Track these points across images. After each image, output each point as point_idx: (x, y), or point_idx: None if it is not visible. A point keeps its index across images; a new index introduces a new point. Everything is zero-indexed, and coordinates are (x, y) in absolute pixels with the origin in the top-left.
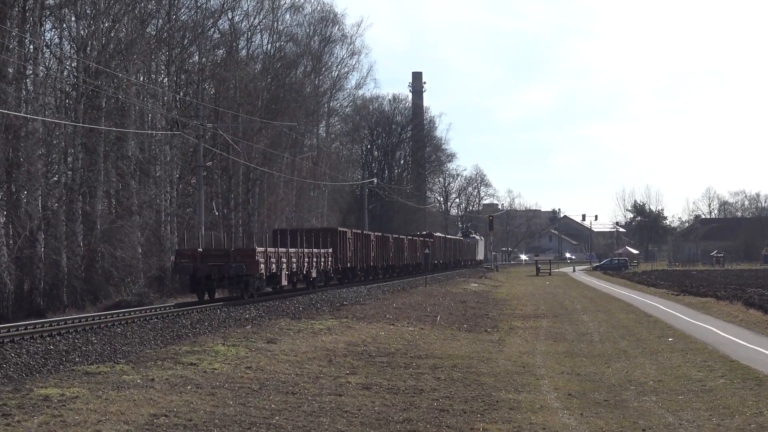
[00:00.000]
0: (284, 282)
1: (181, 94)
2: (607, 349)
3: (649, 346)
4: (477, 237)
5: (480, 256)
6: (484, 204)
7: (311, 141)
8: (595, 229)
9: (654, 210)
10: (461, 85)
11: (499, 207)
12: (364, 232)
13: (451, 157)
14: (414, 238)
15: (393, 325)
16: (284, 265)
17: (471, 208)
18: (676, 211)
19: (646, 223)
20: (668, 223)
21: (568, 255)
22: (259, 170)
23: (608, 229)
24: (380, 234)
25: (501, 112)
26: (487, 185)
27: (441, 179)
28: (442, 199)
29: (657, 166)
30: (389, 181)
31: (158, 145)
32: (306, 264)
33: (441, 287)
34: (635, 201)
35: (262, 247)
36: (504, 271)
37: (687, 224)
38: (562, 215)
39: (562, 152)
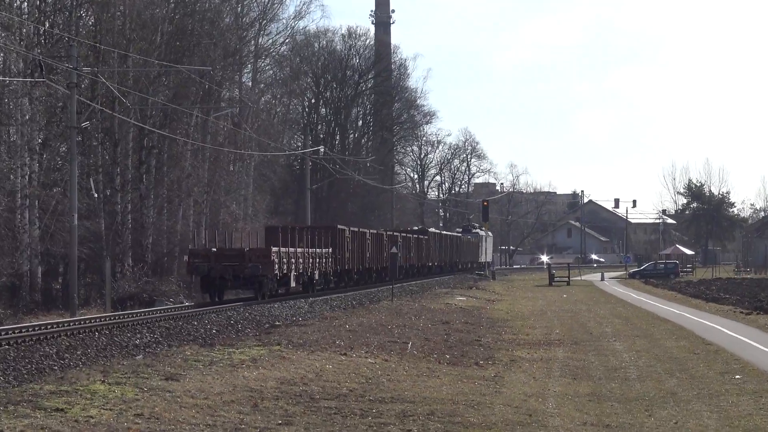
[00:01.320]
0: (293, 284)
1: (47, 24)
2: (649, 389)
3: (707, 387)
4: (481, 233)
5: (486, 257)
6: (475, 183)
7: (231, 93)
8: (633, 220)
9: (716, 194)
10: (445, 17)
11: (498, 188)
12: (361, 230)
13: (429, 117)
14: (408, 235)
15: (345, 354)
16: (293, 266)
17: (458, 189)
18: (747, 195)
19: (704, 211)
20: (736, 212)
21: (594, 257)
22: (156, 134)
23: (651, 220)
24: (375, 232)
25: (500, 56)
26: (481, 157)
27: (415, 148)
28: (416, 176)
29: (721, 134)
30: (342, 150)
31: (12, 96)
32: (310, 265)
33: (414, 301)
34: (689, 181)
35: (276, 246)
36: (503, 278)
37: (763, 213)
38: (586, 200)
39: (586, 112)
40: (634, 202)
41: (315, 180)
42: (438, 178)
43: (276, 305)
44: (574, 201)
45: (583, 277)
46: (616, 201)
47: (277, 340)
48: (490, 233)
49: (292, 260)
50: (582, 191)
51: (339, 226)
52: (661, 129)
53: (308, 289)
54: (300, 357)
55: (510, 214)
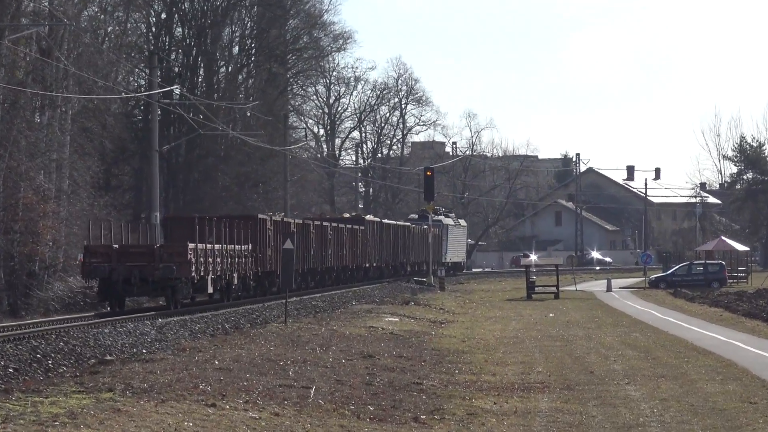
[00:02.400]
0: (210, 289)
1: None
2: None
3: None
4: (447, 221)
5: (454, 255)
6: (414, 143)
7: (38, 4)
8: (656, 199)
9: None
10: None
11: (448, 150)
12: (285, 219)
13: (343, 41)
14: (340, 225)
15: (214, 405)
16: (210, 268)
17: (386, 152)
18: None
19: (764, 184)
20: None
21: (596, 254)
22: None
23: (683, 199)
24: (309, 223)
25: None
26: (422, 103)
27: (321, 89)
28: (323, 132)
29: None
30: (208, 92)
31: None
32: (228, 267)
33: (320, 324)
34: (742, 139)
35: (193, 242)
36: (457, 288)
37: None
38: (583, 168)
39: (583, 35)
40: (657, 171)
41: (166, 138)
42: (356, 134)
43: (107, 330)
44: (565, 170)
45: (580, 286)
46: (630, 170)
47: (108, 384)
48: (462, 222)
49: (210, 260)
50: (577, 155)
51: (260, 216)
52: (698, 61)
53: (224, 296)
54: (144, 410)
55: (467, 189)
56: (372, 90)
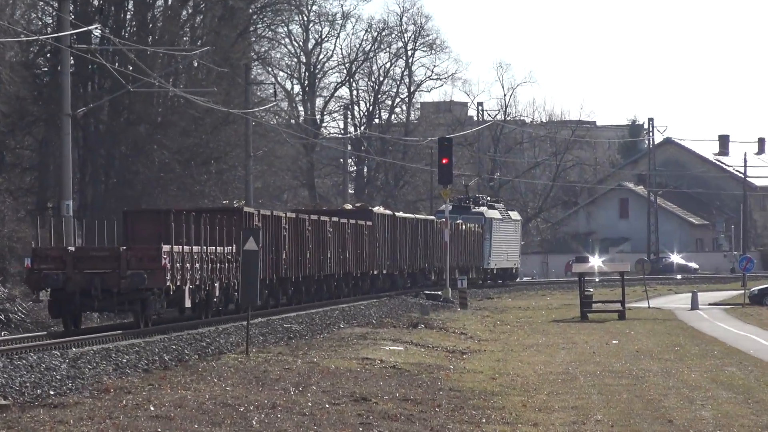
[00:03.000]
0: (188, 302)
1: None
2: None
3: None
4: (495, 213)
5: (502, 258)
6: (423, 103)
7: None
8: (760, 181)
9: None
10: None
11: (472, 114)
12: (275, 213)
13: None
14: (342, 220)
15: None
16: (188, 276)
17: (386, 116)
18: None
19: None
20: None
21: (675, 258)
22: None
23: None
24: (306, 217)
25: None
26: (437, 49)
27: (297, 30)
28: (297, 89)
29: None
30: (139, 34)
31: None
32: (207, 274)
33: (295, 355)
34: None
35: (168, 244)
36: (484, 304)
37: None
38: (659, 138)
39: None
40: (761, 143)
41: (82, 98)
42: (344, 92)
43: None
44: (633, 141)
45: (654, 302)
46: (723, 141)
47: None
48: (514, 214)
49: (187, 266)
50: (650, 121)
51: (246, 210)
52: None
53: (202, 311)
54: None
55: (498, 168)
56: (366, 31)
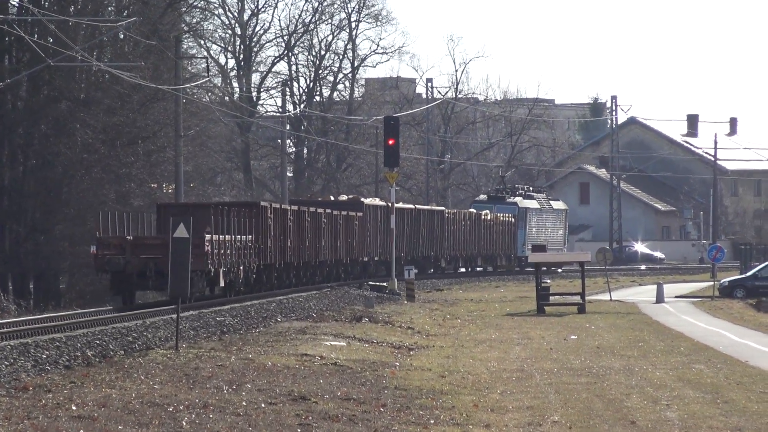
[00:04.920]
0: (222, 282)
1: None
2: None
3: None
4: (532, 203)
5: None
6: (368, 80)
7: None
8: (731, 164)
9: None
10: None
11: (421, 92)
12: (283, 206)
13: None
14: (332, 211)
15: None
16: (222, 260)
17: (327, 93)
18: None
19: None
20: None
21: (640, 247)
22: None
23: None
24: (301, 209)
25: None
26: (383, 20)
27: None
28: (234, 65)
29: None
30: (60, 1)
31: None
32: (236, 259)
33: (228, 351)
34: None
35: (209, 234)
36: (433, 296)
37: None
38: (623, 118)
39: None
40: (733, 123)
41: None
42: (282, 66)
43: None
44: (595, 121)
45: (617, 295)
46: (692, 121)
47: None
48: (557, 203)
49: (221, 252)
50: (614, 99)
51: (262, 203)
52: None
53: (228, 291)
54: None
55: (449, 150)
56: (307, 1)
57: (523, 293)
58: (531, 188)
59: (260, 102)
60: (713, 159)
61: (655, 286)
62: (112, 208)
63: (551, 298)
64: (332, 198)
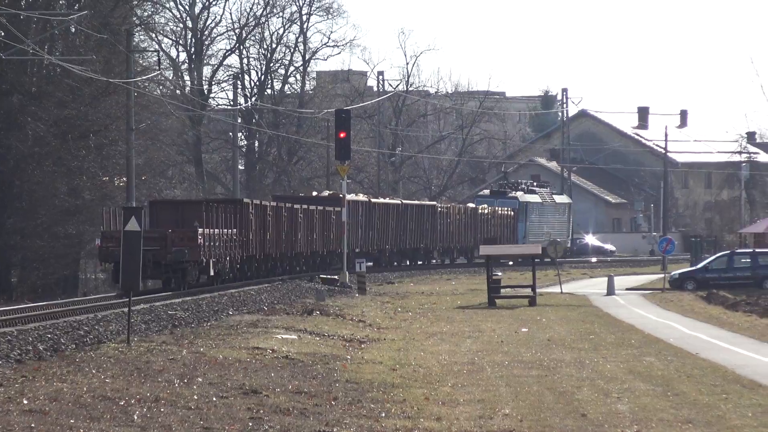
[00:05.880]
0: (212, 272)
1: None
2: None
3: None
4: (533, 198)
5: (542, 240)
6: (320, 73)
7: None
8: (682, 157)
9: None
10: None
11: (372, 84)
12: (263, 202)
13: None
14: (309, 207)
15: None
16: (212, 252)
17: (281, 85)
18: None
19: None
20: None
21: (590, 239)
22: None
23: (721, 157)
24: (279, 205)
25: None
26: (334, 14)
27: None
28: (185, 58)
29: None
30: None
31: None
32: (223, 251)
33: (179, 344)
34: None
35: (202, 227)
36: (385, 288)
37: None
38: (573, 110)
39: None
40: (683, 115)
41: None
42: (233, 60)
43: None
44: (546, 114)
45: (568, 287)
46: (642, 113)
47: None
48: (560, 197)
49: (211, 244)
50: (564, 92)
51: (245, 200)
52: None
53: (215, 280)
54: None
55: (400, 143)
56: None
57: (475, 285)
58: (535, 183)
59: (212, 95)
60: (664, 151)
61: (605, 279)
62: (64, 201)
63: (502, 290)
64: (315, 194)
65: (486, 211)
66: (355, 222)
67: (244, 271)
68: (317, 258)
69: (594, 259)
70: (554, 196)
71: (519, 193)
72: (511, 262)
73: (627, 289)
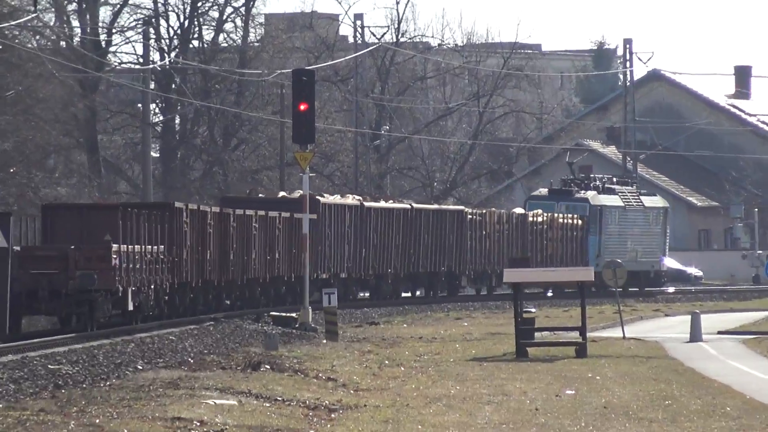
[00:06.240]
0: (131, 306)
1: None
2: None
3: None
4: (613, 199)
5: (626, 259)
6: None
7: None
8: None
9: None
10: None
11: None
12: (201, 208)
13: None
14: (271, 214)
15: None
16: (131, 277)
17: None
18: None
19: None
20: None
21: (667, 260)
22: None
23: None
24: (241, 212)
25: None
26: None
27: None
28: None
29: None
30: None
31: None
32: (146, 275)
33: (65, 414)
34: None
35: (117, 243)
36: (368, 331)
37: None
38: (640, 71)
39: None
40: None
41: None
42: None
43: None
44: (599, 75)
45: (633, 330)
46: (741, 74)
47: None
48: (652, 200)
49: (129, 266)
50: (628, 44)
51: (176, 204)
52: None
53: (134, 317)
54: None
55: (389, 117)
56: None
57: (496, 327)
58: (614, 179)
59: (112, 48)
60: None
61: (688, 317)
62: None
63: (537, 335)
64: (283, 194)
65: (540, 219)
66: (339, 235)
67: (175, 305)
68: (281, 286)
69: (671, 289)
70: (642, 197)
71: (591, 193)
72: (550, 293)
73: (720, 332)
